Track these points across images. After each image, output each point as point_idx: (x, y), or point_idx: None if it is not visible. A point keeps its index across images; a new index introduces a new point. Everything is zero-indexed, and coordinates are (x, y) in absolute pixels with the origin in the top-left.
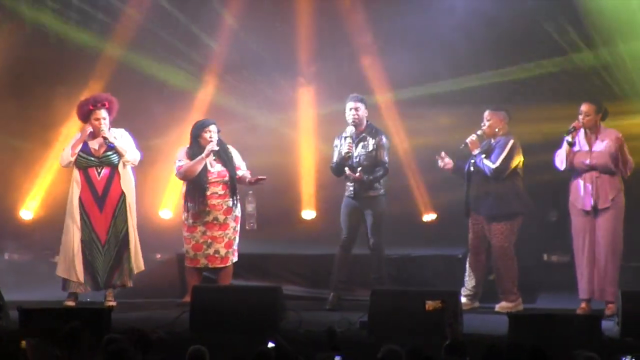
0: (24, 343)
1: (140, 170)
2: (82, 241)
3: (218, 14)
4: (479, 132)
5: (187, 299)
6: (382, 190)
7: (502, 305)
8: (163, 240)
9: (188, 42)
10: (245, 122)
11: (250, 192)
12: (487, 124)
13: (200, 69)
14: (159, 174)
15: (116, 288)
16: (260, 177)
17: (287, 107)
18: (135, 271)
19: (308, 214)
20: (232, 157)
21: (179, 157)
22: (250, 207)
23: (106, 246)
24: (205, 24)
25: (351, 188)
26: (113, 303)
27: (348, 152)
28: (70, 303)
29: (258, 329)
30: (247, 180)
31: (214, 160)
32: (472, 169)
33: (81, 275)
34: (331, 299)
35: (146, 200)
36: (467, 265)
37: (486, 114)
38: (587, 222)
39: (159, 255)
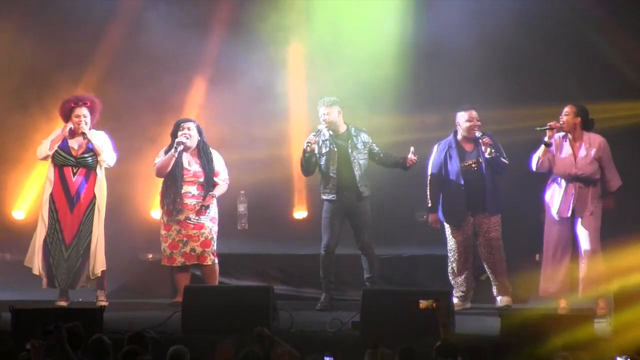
0: (29, 344)
1: (131, 171)
2: (47, 239)
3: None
4: (480, 134)
5: (179, 299)
6: (368, 192)
7: (506, 300)
8: (155, 241)
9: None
10: (236, 123)
11: (242, 192)
12: (478, 122)
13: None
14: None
15: (76, 288)
16: (208, 199)
17: (278, 105)
18: (92, 276)
19: (299, 213)
20: (212, 159)
21: (158, 155)
22: (241, 207)
23: (71, 248)
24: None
25: (334, 191)
26: (105, 303)
27: (309, 144)
28: (62, 303)
29: (249, 329)
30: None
31: (194, 159)
32: (464, 173)
33: (37, 270)
34: (323, 300)
35: (138, 201)
36: (456, 268)
37: (474, 112)
38: (563, 227)
39: (150, 256)
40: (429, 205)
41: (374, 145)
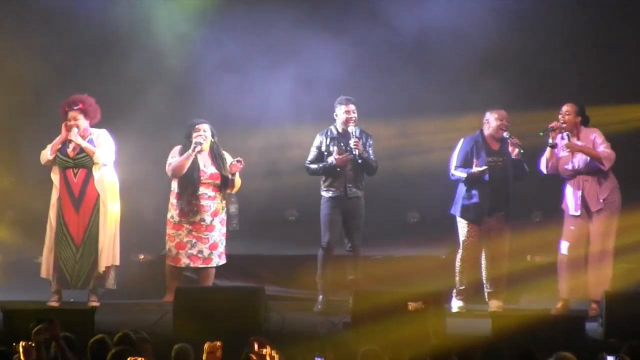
0: (18, 345)
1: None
2: (56, 242)
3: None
4: (509, 134)
5: (169, 298)
6: (363, 192)
7: (497, 305)
8: (146, 241)
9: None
10: (234, 123)
11: (233, 192)
12: (507, 124)
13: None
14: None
15: (97, 288)
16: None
17: (274, 108)
18: (100, 271)
19: (290, 214)
20: (226, 161)
21: (171, 155)
22: (233, 208)
23: (82, 247)
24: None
25: (341, 188)
26: (96, 303)
27: (355, 149)
28: (54, 303)
29: (241, 330)
30: (230, 173)
31: (209, 161)
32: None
33: (48, 273)
34: (321, 301)
35: (130, 202)
36: (464, 268)
37: (505, 114)
38: (579, 226)
39: (142, 256)
40: (466, 174)
41: (372, 152)
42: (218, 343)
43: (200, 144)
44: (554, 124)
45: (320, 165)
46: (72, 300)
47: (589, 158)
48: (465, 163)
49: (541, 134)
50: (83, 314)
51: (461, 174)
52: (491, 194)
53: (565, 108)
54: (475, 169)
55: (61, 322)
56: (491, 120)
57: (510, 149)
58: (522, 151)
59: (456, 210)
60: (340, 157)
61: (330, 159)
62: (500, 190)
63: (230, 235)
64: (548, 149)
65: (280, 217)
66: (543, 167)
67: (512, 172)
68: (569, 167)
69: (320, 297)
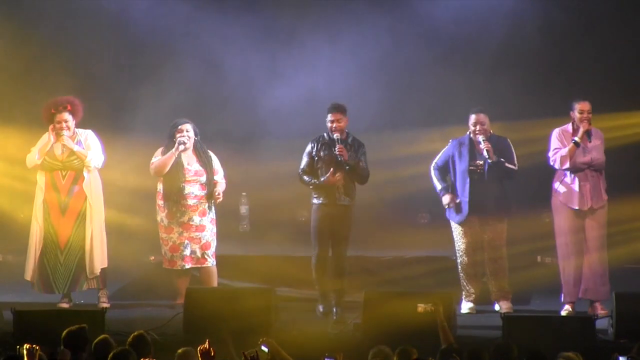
0: (22, 348)
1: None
2: (43, 246)
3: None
4: (483, 138)
5: (180, 300)
6: (353, 201)
7: (507, 306)
8: (157, 243)
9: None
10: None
11: (244, 193)
12: (482, 127)
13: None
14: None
15: (77, 290)
16: (218, 196)
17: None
18: (89, 275)
19: (301, 215)
20: (211, 159)
21: (155, 155)
22: (243, 209)
23: (66, 250)
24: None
25: (330, 196)
26: (106, 305)
27: (340, 156)
28: (64, 305)
29: (251, 331)
30: (214, 190)
31: (193, 158)
32: (469, 172)
33: (29, 275)
34: (323, 310)
35: (140, 203)
36: (466, 271)
37: (481, 116)
38: (577, 221)
39: (152, 258)
40: (440, 187)
41: (365, 160)
42: (206, 344)
43: (184, 143)
44: (587, 126)
45: (313, 181)
46: (82, 301)
47: (602, 154)
48: (444, 167)
49: (588, 138)
50: (93, 315)
51: (437, 183)
52: (472, 197)
53: (586, 107)
54: (444, 198)
55: (71, 323)
56: (470, 125)
57: (484, 152)
58: (490, 160)
59: (447, 212)
60: (331, 178)
61: (322, 178)
62: (481, 194)
63: (240, 236)
64: (571, 146)
65: (291, 218)
66: (562, 164)
67: (493, 175)
68: (586, 160)
69: (321, 306)
